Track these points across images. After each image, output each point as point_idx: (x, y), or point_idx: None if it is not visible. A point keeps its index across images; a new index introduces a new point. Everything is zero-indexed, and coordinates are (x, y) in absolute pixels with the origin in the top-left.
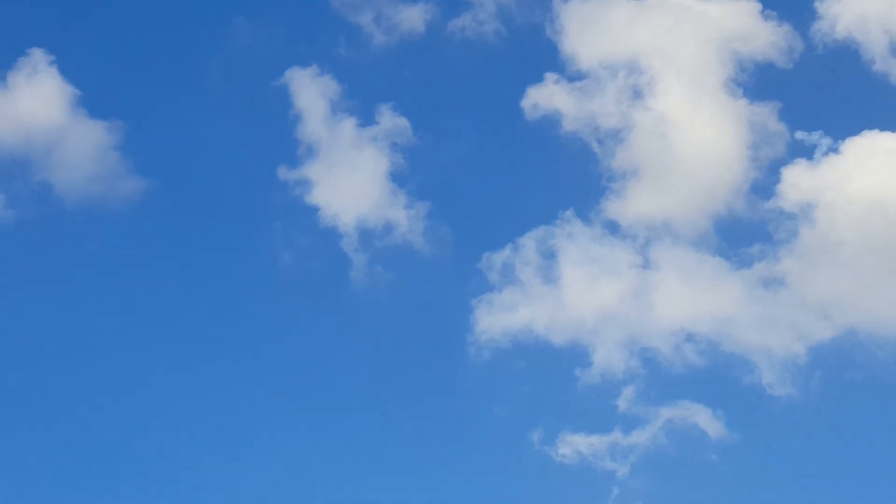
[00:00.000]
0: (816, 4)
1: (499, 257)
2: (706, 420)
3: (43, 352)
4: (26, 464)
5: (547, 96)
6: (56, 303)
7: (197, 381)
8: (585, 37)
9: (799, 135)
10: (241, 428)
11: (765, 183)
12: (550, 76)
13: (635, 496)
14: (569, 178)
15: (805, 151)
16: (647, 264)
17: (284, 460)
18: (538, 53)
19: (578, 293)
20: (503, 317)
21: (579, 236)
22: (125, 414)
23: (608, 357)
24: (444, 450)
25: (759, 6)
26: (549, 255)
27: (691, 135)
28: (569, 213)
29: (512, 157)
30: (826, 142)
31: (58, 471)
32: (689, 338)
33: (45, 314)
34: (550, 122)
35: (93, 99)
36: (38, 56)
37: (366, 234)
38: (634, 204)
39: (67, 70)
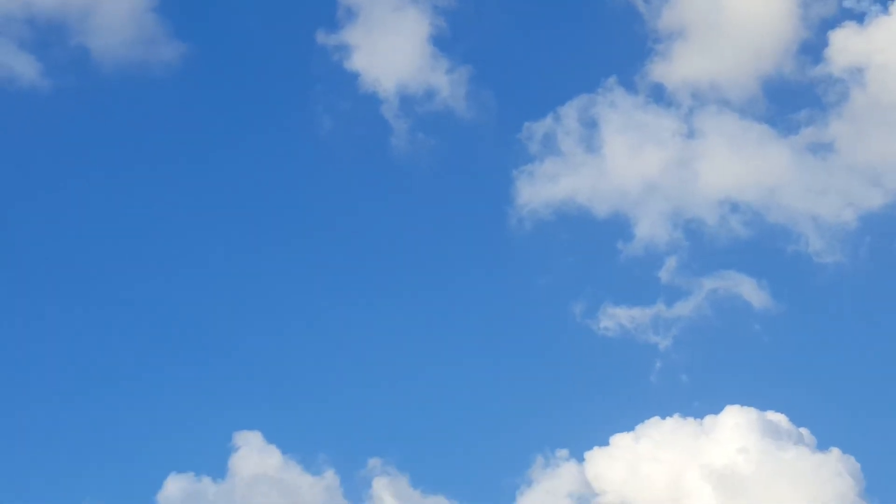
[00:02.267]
0: None
1: (540, 127)
2: (751, 290)
3: (88, 230)
4: None
5: None
6: (97, 175)
7: (238, 247)
8: None
9: (848, 2)
10: (284, 297)
11: (814, 44)
12: None
13: (678, 368)
14: (613, 42)
15: (854, 15)
16: (691, 132)
17: (327, 330)
18: None
19: (621, 162)
20: (545, 188)
21: (622, 104)
22: (182, 285)
23: (651, 228)
24: (486, 321)
25: None
26: (591, 124)
27: None
28: (611, 80)
29: (556, 20)
30: (875, 8)
31: None
32: (734, 207)
33: (87, 188)
34: None
35: None
36: None
37: (407, 100)
38: (680, 66)
39: None
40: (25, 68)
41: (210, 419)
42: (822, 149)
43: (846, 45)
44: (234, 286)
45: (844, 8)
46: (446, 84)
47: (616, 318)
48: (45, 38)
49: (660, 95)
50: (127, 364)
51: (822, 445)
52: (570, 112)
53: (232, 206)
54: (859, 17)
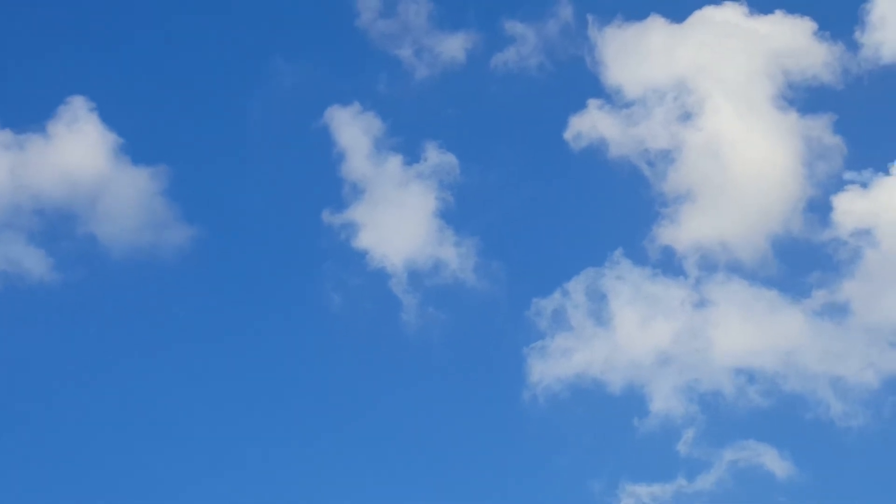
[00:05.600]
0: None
1: (549, 303)
2: (772, 460)
3: (99, 412)
4: None
5: (590, 123)
6: (110, 364)
7: (251, 424)
8: (628, 64)
9: (848, 175)
10: (297, 470)
11: (821, 204)
12: (594, 102)
13: None
14: (619, 209)
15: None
16: (702, 301)
17: None
18: (582, 83)
19: (632, 334)
20: (557, 363)
21: (629, 276)
22: (181, 460)
23: (666, 400)
24: (504, 502)
25: (806, 22)
26: (600, 298)
27: (745, 152)
28: (618, 252)
29: (561, 189)
30: (878, 174)
31: None
32: (750, 375)
33: (100, 376)
34: (597, 150)
35: (135, 145)
36: (78, 104)
37: (415, 275)
38: (689, 228)
39: (108, 117)
40: (34, 264)
41: None
42: (836, 311)
43: (851, 207)
44: (245, 472)
45: (851, 163)
46: (454, 256)
47: (636, 495)
48: (54, 228)
49: (668, 263)
50: None
51: None
52: (577, 286)
53: (246, 386)
54: (864, 183)
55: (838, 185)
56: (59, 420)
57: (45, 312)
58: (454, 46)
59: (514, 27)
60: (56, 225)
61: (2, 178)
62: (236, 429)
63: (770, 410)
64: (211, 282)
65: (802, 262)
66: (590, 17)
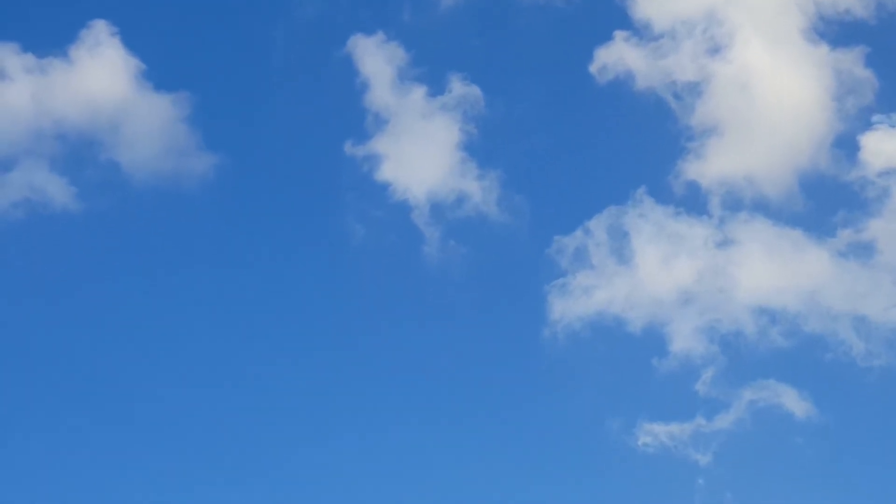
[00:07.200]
0: None
1: (570, 241)
2: (792, 400)
3: (122, 340)
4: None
5: (616, 56)
6: (133, 292)
7: (271, 354)
8: None
9: (877, 117)
10: (314, 402)
11: (849, 140)
12: (620, 34)
13: (722, 486)
14: (644, 142)
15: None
16: (725, 240)
17: (354, 445)
18: (609, 15)
19: (654, 273)
20: (578, 302)
21: (652, 215)
22: (200, 386)
23: (686, 339)
24: (522, 438)
25: None
26: (622, 236)
27: (774, 85)
28: (641, 191)
29: (586, 122)
30: None
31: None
32: (772, 314)
33: (122, 305)
34: (623, 83)
35: (158, 71)
36: (101, 28)
37: (437, 208)
38: (715, 163)
39: (131, 42)
40: (57, 192)
41: None
42: (862, 250)
43: (880, 147)
44: (262, 398)
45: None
46: (477, 190)
47: (654, 434)
48: (77, 155)
49: (692, 201)
50: None
51: None
52: (599, 225)
53: (267, 317)
54: (891, 123)
55: (867, 124)
56: (82, 348)
57: (68, 241)
58: None
59: None
60: (78, 151)
61: (24, 102)
62: (256, 357)
63: (791, 351)
64: (233, 211)
65: (828, 199)
66: None
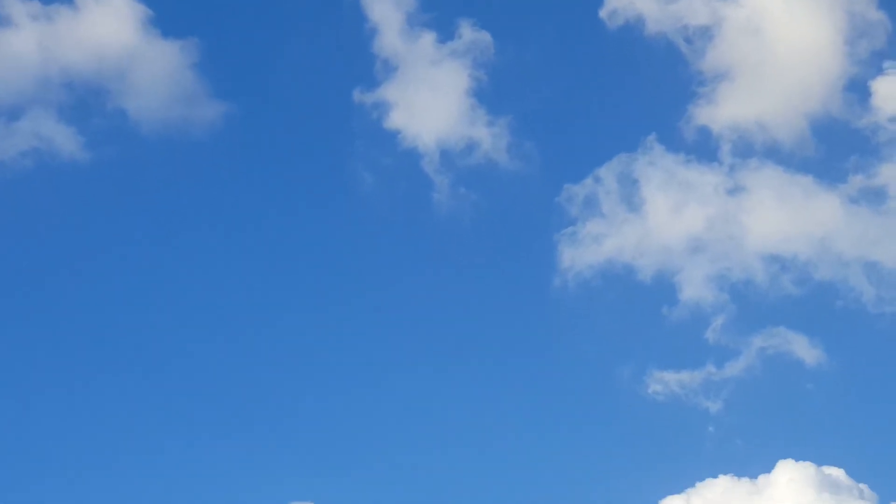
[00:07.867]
0: None
1: (580, 189)
2: (802, 347)
3: (130, 285)
4: None
5: (627, 1)
6: (141, 240)
7: (282, 300)
8: None
9: (888, 63)
10: (326, 346)
11: (861, 84)
12: None
13: (733, 433)
14: (655, 88)
15: None
16: (736, 187)
17: (368, 396)
18: None
19: (664, 220)
20: (588, 250)
21: (662, 162)
22: (209, 330)
23: (696, 286)
24: (533, 386)
25: None
26: (632, 184)
27: (786, 29)
28: (651, 138)
29: (596, 67)
30: None
31: None
32: (782, 261)
33: (131, 252)
34: (633, 28)
35: (165, 18)
36: None
37: (447, 155)
38: (726, 108)
39: None
40: (65, 141)
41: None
42: (873, 196)
43: (891, 92)
44: (273, 345)
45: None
46: (487, 136)
47: (664, 381)
48: (84, 103)
49: (702, 149)
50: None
51: (885, 501)
52: (609, 173)
53: (277, 265)
54: None
55: (878, 70)
56: (90, 292)
57: (76, 190)
58: None
59: None
60: (85, 100)
61: (30, 50)
62: (266, 303)
63: (802, 298)
64: (242, 159)
65: (840, 145)
66: None
